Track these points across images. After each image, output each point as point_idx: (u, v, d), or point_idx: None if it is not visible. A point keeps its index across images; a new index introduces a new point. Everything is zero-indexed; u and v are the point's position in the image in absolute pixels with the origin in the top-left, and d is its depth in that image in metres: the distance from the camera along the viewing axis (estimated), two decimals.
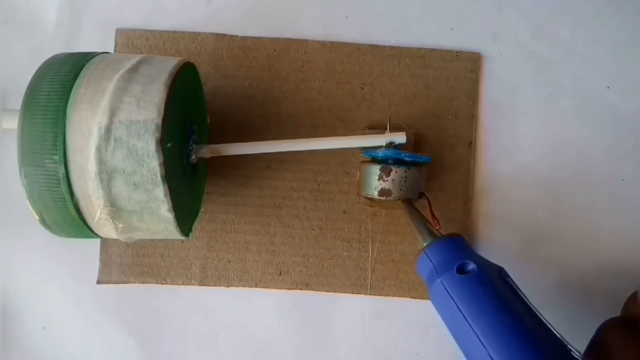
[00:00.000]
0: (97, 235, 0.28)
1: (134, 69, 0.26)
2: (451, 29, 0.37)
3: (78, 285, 0.36)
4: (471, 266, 0.28)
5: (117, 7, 0.37)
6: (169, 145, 0.25)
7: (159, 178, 0.25)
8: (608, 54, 0.37)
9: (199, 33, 0.36)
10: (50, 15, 0.37)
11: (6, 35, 0.37)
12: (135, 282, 0.36)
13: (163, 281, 0.36)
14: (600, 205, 0.37)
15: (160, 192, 0.25)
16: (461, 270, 0.28)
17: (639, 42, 0.37)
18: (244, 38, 0.36)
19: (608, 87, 0.37)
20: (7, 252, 0.36)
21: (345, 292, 0.36)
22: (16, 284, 0.36)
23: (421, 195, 0.32)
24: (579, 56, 0.37)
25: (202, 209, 0.35)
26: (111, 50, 0.36)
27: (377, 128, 0.36)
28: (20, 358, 0.33)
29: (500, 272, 0.29)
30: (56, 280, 0.36)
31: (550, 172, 0.37)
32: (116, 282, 0.36)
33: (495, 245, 0.37)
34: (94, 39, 0.37)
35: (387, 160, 0.31)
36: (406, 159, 0.31)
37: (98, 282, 0.36)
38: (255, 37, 0.36)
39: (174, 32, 0.36)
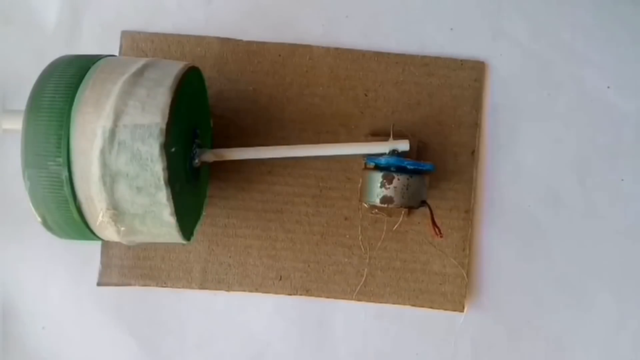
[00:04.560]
0: (98, 238, 0.28)
1: (140, 72, 0.26)
2: (451, 29, 0.37)
3: (78, 285, 0.36)
4: None
5: (117, 7, 0.37)
6: (173, 149, 0.25)
7: (162, 182, 0.25)
8: (608, 54, 0.37)
9: (204, 37, 0.36)
10: (50, 15, 0.37)
11: (6, 36, 0.37)
12: (135, 285, 0.36)
13: (163, 284, 0.36)
14: (601, 206, 0.37)
15: (163, 196, 0.25)
16: None
17: (639, 42, 0.37)
18: (248, 42, 0.36)
19: (608, 87, 0.37)
20: (7, 252, 0.36)
21: (346, 299, 0.36)
22: (17, 284, 0.36)
23: (423, 203, 0.32)
24: (579, 56, 0.37)
25: (204, 213, 0.35)
26: (113, 51, 0.36)
27: (380, 135, 0.36)
28: (21, 358, 0.33)
29: None
30: (56, 281, 0.36)
31: (550, 174, 0.37)
32: (116, 284, 0.36)
33: (496, 252, 0.37)
34: (94, 39, 0.37)
35: (390, 167, 0.31)
36: (409, 166, 0.31)
37: (98, 284, 0.36)
38: (260, 42, 0.36)
39: (179, 35, 0.36)
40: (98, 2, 0.37)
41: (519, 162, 0.37)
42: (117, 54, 0.36)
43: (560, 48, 0.37)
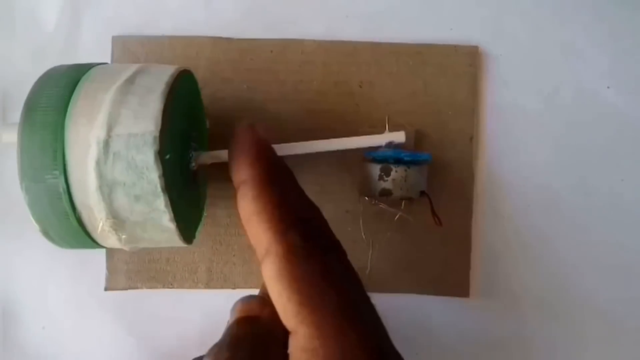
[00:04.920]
0: (101, 246, 0.28)
1: (131, 80, 0.26)
2: (451, 29, 0.36)
3: (78, 285, 0.36)
4: None
5: (117, 9, 0.37)
6: (168, 156, 0.25)
7: (159, 190, 0.25)
8: (608, 54, 0.37)
9: (195, 37, 0.36)
10: (49, 18, 0.37)
11: (6, 37, 0.37)
12: (142, 288, 0.36)
13: (170, 285, 0.36)
14: (600, 206, 0.37)
15: (161, 203, 0.25)
16: None
17: (638, 41, 0.36)
18: (240, 40, 0.36)
19: (608, 87, 0.36)
20: (7, 251, 0.36)
21: None
22: (17, 284, 0.36)
23: (422, 193, 0.32)
24: (579, 56, 0.37)
25: (205, 214, 0.36)
26: (110, 56, 0.36)
27: (377, 127, 0.35)
28: (21, 358, 0.33)
29: None
30: (57, 280, 0.36)
31: (550, 173, 0.37)
32: (123, 289, 0.36)
33: (495, 242, 0.37)
34: (94, 42, 0.37)
35: (387, 159, 0.31)
36: (405, 158, 0.31)
37: (106, 289, 0.36)
38: (251, 39, 0.36)
39: (170, 37, 0.36)
40: (99, 3, 0.37)
41: (517, 153, 0.37)
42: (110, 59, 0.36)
43: (560, 48, 0.37)
